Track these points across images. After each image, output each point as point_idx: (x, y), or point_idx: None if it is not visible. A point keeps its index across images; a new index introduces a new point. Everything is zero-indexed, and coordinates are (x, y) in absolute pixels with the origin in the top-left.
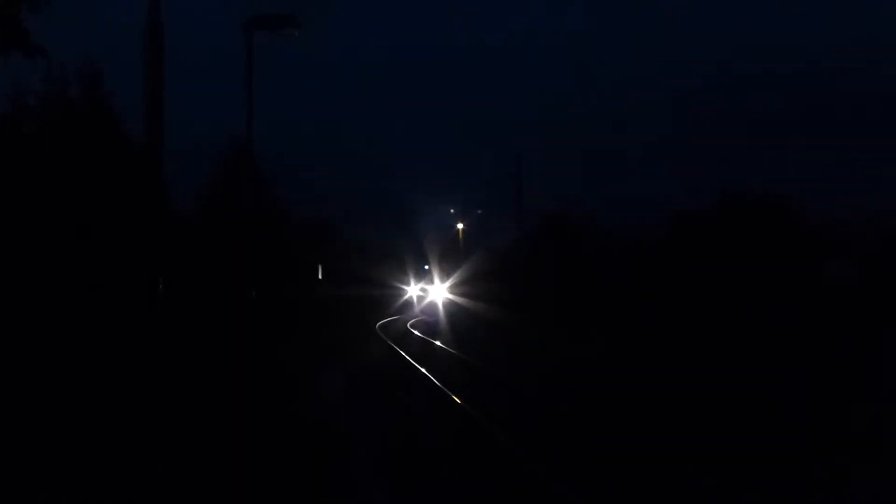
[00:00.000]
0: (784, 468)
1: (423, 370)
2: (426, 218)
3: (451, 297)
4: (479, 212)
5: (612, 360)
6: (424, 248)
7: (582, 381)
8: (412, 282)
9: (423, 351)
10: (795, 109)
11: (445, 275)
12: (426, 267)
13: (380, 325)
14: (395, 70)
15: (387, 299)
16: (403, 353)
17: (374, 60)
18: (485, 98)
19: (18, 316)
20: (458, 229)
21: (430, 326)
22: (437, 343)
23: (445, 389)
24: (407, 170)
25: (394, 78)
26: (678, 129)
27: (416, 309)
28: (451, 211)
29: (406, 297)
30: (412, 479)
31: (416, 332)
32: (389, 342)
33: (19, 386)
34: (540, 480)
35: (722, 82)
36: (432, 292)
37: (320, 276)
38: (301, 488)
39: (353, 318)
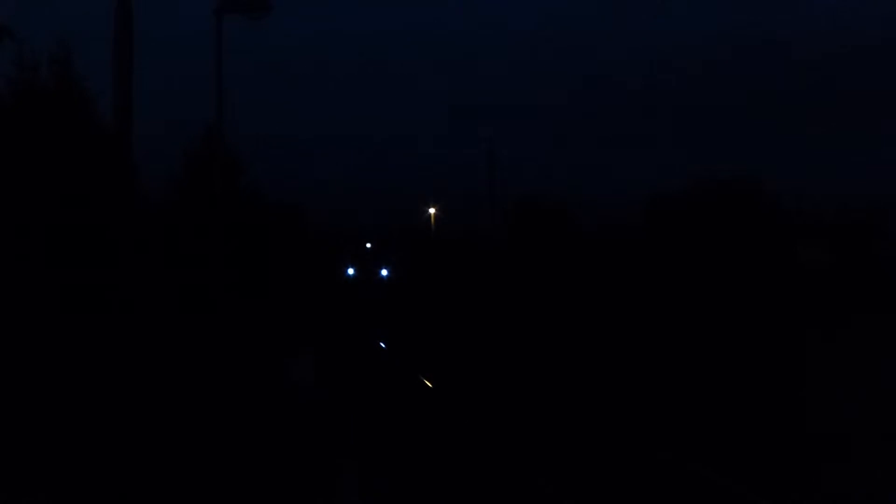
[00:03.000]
0: None
1: None
2: (395, 201)
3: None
4: (433, 211)
5: None
6: (388, 232)
7: None
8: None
9: None
10: (768, 93)
11: (397, 260)
12: (367, 245)
13: None
14: (362, 53)
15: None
16: None
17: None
18: (459, 81)
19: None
20: (429, 214)
21: None
22: None
23: None
24: (380, 153)
25: (361, 60)
26: (652, 112)
27: None
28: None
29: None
30: None
31: None
32: None
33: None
34: None
35: (699, 65)
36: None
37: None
38: None
39: None
